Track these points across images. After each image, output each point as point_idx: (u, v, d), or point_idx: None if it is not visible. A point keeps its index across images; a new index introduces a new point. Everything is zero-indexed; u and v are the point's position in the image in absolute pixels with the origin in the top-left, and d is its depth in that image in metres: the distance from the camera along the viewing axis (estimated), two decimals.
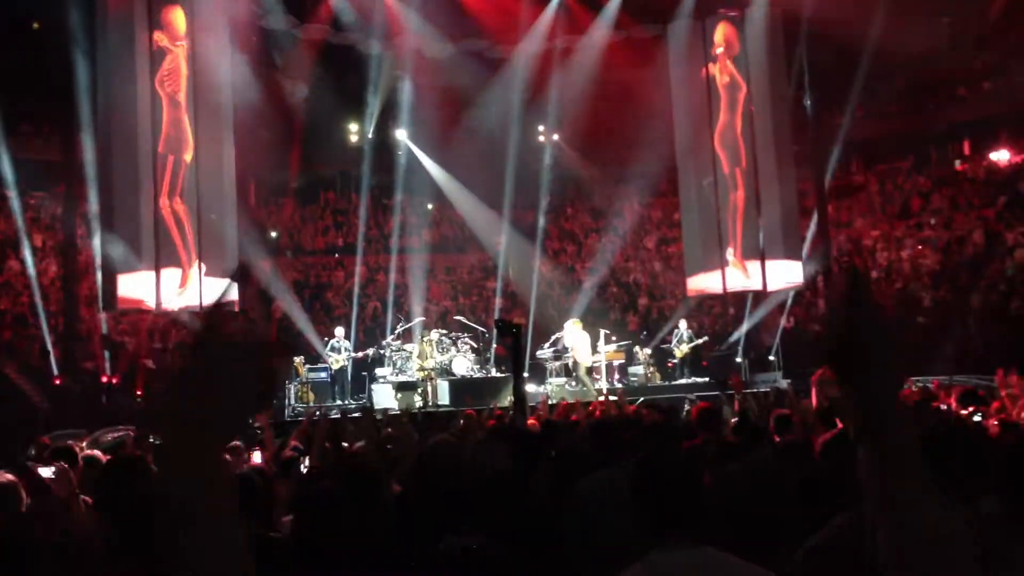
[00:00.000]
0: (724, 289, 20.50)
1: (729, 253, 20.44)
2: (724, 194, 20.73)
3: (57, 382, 18.36)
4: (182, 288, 17.22)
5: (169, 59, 17.74)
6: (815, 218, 23.34)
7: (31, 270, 20.94)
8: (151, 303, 17.02)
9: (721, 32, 20.88)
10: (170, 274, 17.22)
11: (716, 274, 20.47)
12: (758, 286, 20.32)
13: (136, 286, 16.90)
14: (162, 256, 17.10)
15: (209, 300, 17.39)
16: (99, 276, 17.92)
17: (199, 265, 17.43)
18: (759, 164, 20.52)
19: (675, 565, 2.30)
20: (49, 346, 19.41)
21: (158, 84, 17.53)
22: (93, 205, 18.80)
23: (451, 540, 1.79)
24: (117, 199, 17.02)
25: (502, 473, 3.64)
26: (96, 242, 18.27)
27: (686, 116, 21.17)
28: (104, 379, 18.52)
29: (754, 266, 20.29)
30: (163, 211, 17.30)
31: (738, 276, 20.40)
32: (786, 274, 20.32)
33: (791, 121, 21.38)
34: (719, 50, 20.90)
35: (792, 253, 20.46)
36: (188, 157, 17.73)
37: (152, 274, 16.96)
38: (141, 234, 16.89)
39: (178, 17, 17.82)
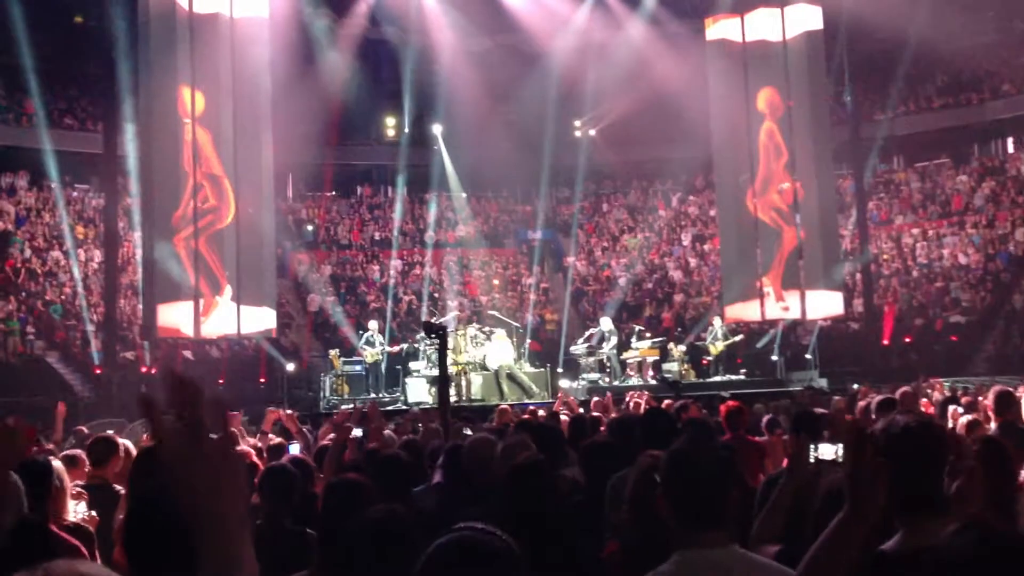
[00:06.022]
0: (762, 317, 20.33)
1: (766, 281, 20.24)
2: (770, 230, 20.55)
3: (98, 372, 18.67)
4: (205, 316, 17.78)
5: (188, 135, 17.95)
6: (854, 215, 23.10)
7: (74, 261, 21.34)
8: (187, 330, 17.70)
9: (764, 97, 20.62)
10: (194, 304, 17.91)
11: (754, 303, 20.28)
12: (797, 316, 20.18)
13: (174, 314, 17.64)
14: (189, 287, 17.75)
15: (246, 329, 18.18)
16: (140, 305, 18.74)
17: (231, 292, 17.96)
18: (797, 163, 20.35)
19: (703, 565, 2.26)
20: (90, 336, 19.75)
21: (187, 166, 17.84)
22: (134, 199, 19.20)
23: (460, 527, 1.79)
24: (157, 235, 17.76)
25: (527, 467, 3.64)
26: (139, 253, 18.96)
27: (723, 112, 20.97)
28: (143, 370, 18.80)
29: (793, 297, 20.15)
30: (202, 251, 17.85)
31: (777, 306, 20.23)
32: (826, 305, 20.15)
33: (831, 117, 21.15)
34: (765, 112, 20.69)
35: (830, 254, 20.23)
36: (228, 220, 18.10)
37: (186, 303, 17.70)
38: (179, 271, 17.66)
39: (188, 96, 18.01)
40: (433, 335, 10.01)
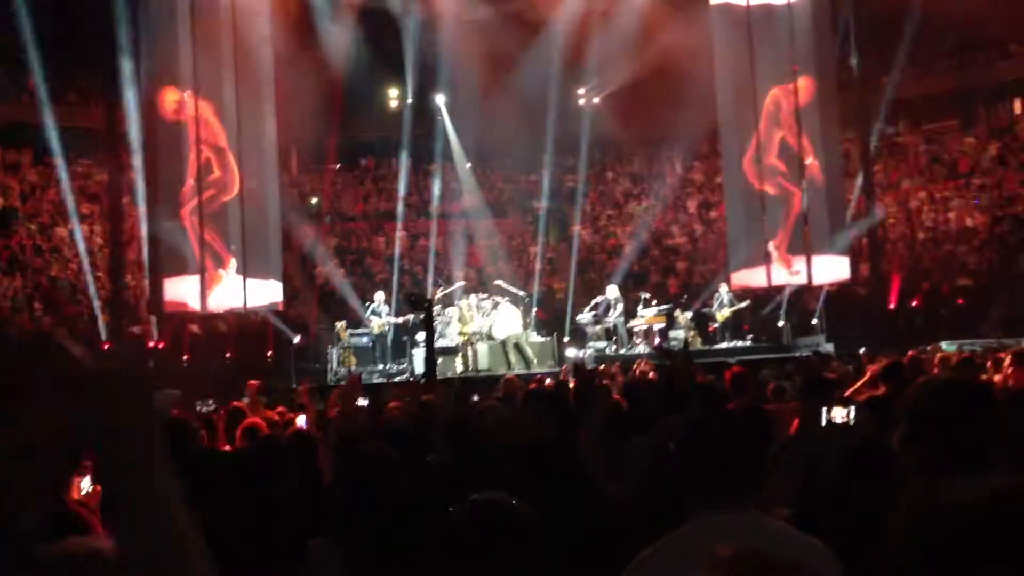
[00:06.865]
0: (769, 283, 20.25)
1: (772, 246, 20.15)
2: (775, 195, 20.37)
3: (105, 347, 18.73)
4: (210, 290, 17.82)
5: (191, 109, 17.82)
6: (860, 180, 22.98)
7: (79, 237, 21.32)
8: (195, 305, 17.71)
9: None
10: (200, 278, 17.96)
11: (761, 270, 20.20)
12: (804, 281, 20.11)
13: (181, 288, 17.68)
14: (195, 261, 17.79)
15: (253, 302, 18.15)
16: (147, 281, 18.77)
17: (236, 266, 17.96)
18: (803, 128, 20.20)
19: (721, 528, 2.26)
20: (97, 311, 19.82)
21: (191, 138, 17.76)
22: (138, 173, 19.15)
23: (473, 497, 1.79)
24: (162, 209, 17.88)
25: (541, 435, 3.65)
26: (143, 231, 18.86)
27: (728, 77, 20.81)
28: (151, 344, 18.87)
29: (800, 262, 20.06)
30: (207, 224, 17.85)
31: (783, 271, 20.16)
32: (833, 269, 20.09)
33: (837, 80, 20.96)
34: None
35: (836, 218, 20.15)
36: (234, 193, 18.04)
37: (192, 277, 17.72)
38: (184, 244, 17.69)
39: (189, 69, 17.84)
40: (417, 308, 9.95)
